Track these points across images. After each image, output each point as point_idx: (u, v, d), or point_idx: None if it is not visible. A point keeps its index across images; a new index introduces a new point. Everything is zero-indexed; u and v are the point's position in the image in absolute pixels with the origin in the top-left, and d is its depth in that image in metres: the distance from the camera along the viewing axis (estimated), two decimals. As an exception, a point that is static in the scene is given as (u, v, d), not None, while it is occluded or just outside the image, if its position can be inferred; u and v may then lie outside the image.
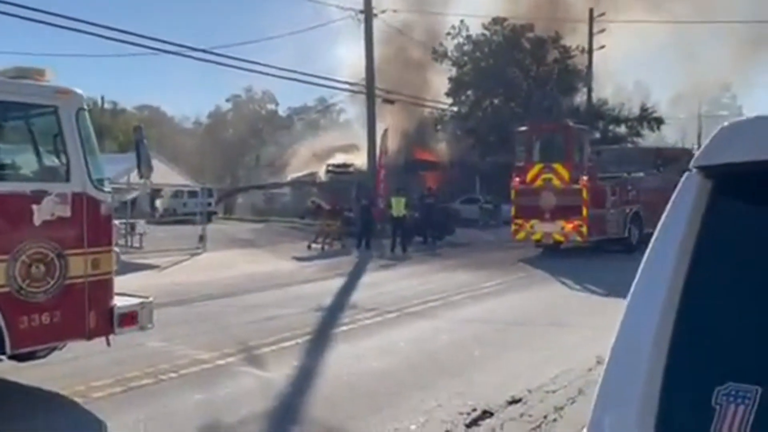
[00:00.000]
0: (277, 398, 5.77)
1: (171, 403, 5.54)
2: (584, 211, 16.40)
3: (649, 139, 36.65)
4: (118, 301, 5.60)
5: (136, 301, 5.76)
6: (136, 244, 18.21)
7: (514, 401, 5.53)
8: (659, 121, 37.55)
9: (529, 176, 17.31)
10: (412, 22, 33.83)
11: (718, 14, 33.04)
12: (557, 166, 16.86)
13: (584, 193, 16.45)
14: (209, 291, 11.65)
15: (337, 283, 12.97)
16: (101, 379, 6.03)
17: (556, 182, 16.82)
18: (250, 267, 15.13)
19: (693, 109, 61.02)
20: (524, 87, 34.21)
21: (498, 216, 30.97)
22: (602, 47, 35.51)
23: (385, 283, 13.06)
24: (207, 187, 24.47)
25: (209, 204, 27.25)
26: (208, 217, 24.02)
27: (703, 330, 1.19)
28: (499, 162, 31.67)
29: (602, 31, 34.78)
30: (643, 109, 37.61)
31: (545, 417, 5.16)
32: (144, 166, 5.67)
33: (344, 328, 8.64)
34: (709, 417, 1.10)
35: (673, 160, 23.25)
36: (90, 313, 5.33)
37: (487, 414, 5.24)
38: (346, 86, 27.58)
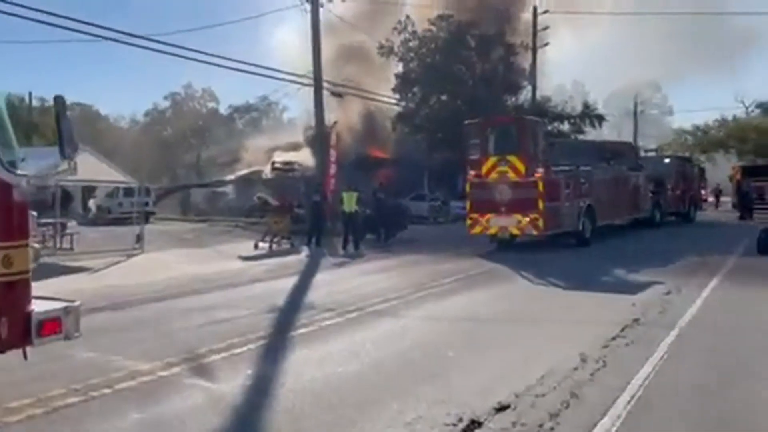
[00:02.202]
0: (231, 414, 4.98)
1: (104, 426, 4.66)
2: (540, 204, 16.08)
3: (589, 135, 37.63)
4: (37, 306, 4.67)
5: (59, 305, 4.83)
6: (67, 246, 16.87)
7: (502, 408, 4.92)
8: (601, 118, 38.97)
9: (484, 169, 16.88)
10: (362, 13, 33.19)
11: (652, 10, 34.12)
12: (513, 159, 16.48)
13: (540, 186, 16.13)
14: (148, 294, 10.63)
15: (290, 282, 12.15)
16: (18, 399, 5.08)
17: (511, 175, 16.44)
18: (192, 268, 14.09)
19: (626, 107, 63.55)
20: (470, 84, 34.16)
21: (447, 213, 30.80)
22: (546, 44, 35.98)
23: (340, 281, 12.32)
24: (145, 185, 22.99)
25: (146, 203, 25.75)
26: (146, 217, 22.63)
27: None
28: (447, 159, 31.48)
29: (546, 28, 35.19)
30: (586, 107, 38.74)
31: (541, 426, 4.56)
32: (67, 145, 4.73)
33: (302, 330, 7.86)
34: None
35: (618, 154, 23.57)
36: (1, 320, 4.40)
37: (475, 424, 4.60)
38: (293, 78, 26.62)
